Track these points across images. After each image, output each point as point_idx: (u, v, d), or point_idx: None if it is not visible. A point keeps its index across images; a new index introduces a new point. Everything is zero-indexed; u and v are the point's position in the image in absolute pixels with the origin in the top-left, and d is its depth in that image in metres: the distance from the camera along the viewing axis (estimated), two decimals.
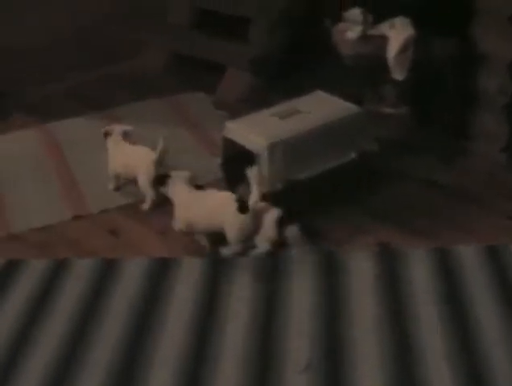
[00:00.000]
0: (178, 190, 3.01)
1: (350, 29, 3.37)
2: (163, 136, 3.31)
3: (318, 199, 3.09)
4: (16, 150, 3.92)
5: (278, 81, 4.27)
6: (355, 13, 3.36)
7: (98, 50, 4.57)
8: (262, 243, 2.89)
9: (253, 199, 2.82)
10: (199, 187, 3.03)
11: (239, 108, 4.03)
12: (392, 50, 3.25)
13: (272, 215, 2.87)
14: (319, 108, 3.21)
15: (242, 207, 2.84)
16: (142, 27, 4.68)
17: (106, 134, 3.42)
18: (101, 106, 4.26)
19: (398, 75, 3.28)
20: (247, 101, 4.17)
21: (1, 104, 4.38)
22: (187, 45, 4.60)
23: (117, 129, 3.41)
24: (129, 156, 3.33)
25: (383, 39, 3.32)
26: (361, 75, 3.43)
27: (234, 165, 3.13)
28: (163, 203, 3.18)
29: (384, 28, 3.33)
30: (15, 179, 3.62)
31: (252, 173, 2.95)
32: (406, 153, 3.57)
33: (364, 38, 3.36)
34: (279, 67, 4.29)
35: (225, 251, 2.93)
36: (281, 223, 2.87)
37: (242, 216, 2.84)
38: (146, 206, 3.28)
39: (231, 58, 4.35)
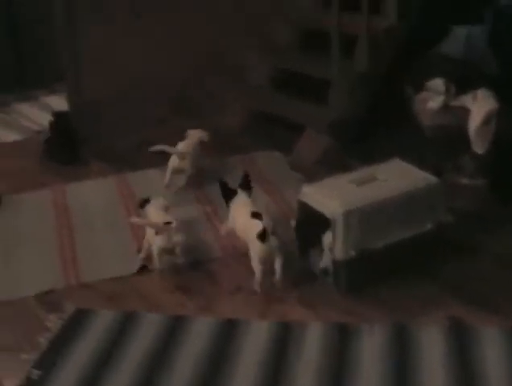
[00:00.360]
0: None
1: (432, 99, 3.35)
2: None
3: (392, 268, 3.05)
4: (92, 198, 3.99)
5: (355, 145, 4.28)
6: (437, 83, 3.34)
7: (178, 106, 4.64)
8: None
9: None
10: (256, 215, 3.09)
11: (315, 171, 4.06)
12: (474, 123, 3.21)
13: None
14: (397, 176, 3.18)
15: (262, 235, 2.92)
16: (221, 86, 4.74)
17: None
18: None
19: (479, 148, 3.24)
20: (323, 164, 4.17)
21: (81, 150, 4.48)
22: (267, 104, 4.64)
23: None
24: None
25: (465, 111, 3.29)
26: (440, 146, 3.40)
27: (308, 228, 3.12)
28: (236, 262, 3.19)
29: (466, 100, 3.31)
30: (90, 227, 3.67)
31: (326, 239, 2.95)
32: (482, 226, 3.51)
33: (445, 108, 3.33)
34: (357, 131, 4.31)
35: None
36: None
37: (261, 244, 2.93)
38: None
39: (309, 119, 4.37)
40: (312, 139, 4.26)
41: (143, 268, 3.29)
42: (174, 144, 3.99)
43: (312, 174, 4.01)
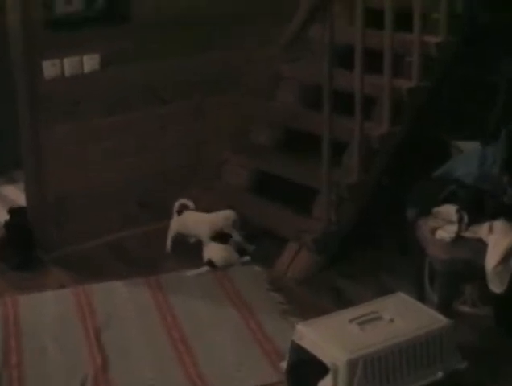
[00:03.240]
0: None
1: (442, 228, 2.98)
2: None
3: None
4: (46, 314, 3.53)
5: (339, 261, 3.91)
6: (449, 210, 2.98)
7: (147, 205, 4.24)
8: None
9: None
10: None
11: (299, 293, 3.67)
12: (491, 259, 2.84)
13: None
14: (403, 315, 2.81)
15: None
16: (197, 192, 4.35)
17: None
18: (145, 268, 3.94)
19: (497, 287, 2.86)
20: (308, 283, 3.79)
21: (38, 253, 4.01)
22: (246, 209, 4.25)
23: None
24: None
25: (480, 244, 2.93)
26: (446, 279, 3.03)
27: (303, 373, 2.71)
28: None
29: (481, 231, 2.94)
30: (41, 351, 3.20)
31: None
32: (495, 368, 3.12)
33: (457, 240, 2.96)
34: (343, 245, 3.94)
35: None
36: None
37: None
38: None
39: (291, 231, 3.98)
40: (296, 254, 3.86)
41: None
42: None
43: (295, 296, 3.63)
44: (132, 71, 4.10)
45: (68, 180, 4.04)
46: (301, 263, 3.86)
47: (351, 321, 2.75)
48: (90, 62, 3.95)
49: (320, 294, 3.71)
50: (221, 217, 4.03)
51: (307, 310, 3.51)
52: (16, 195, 4.90)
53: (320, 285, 3.79)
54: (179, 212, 4.09)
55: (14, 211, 4.16)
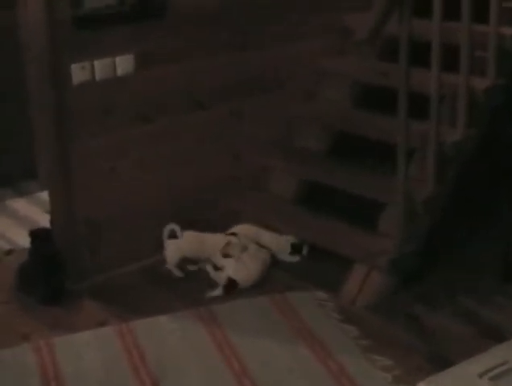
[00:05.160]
0: None
1: None
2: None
3: None
4: (88, 359, 3.04)
5: (411, 283, 3.46)
6: None
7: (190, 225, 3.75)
8: None
9: None
10: None
11: (369, 321, 3.22)
12: None
13: None
14: None
15: None
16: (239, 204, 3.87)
17: None
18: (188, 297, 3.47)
19: None
20: (378, 310, 3.34)
21: (67, 284, 3.51)
22: (296, 227, 3.78)
23: None
24: None
25: None
26: None
27: None
28: None
29: None
30: None
31: None
32: None
33: None
34: (415, 266, 3.49)
35: None
36: None
37: None
38: None
39: (355, 249, 3.52)
40: (365, 277, 3.41)
41: None
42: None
43: (371, 328, 3.19)
44: (169, 74, 3.61)
45: (99, 198, 3.54)
46: (372, 288, 3.41)
47: (481, 374, 2.30)
48: (124, 64, 3.44)
49: (397, 324, 3.27)
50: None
51: (389, 345, 3.10)
52: (29, 210, 4.43)
53: (395, 312, 3.36)
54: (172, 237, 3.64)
55: (37, 234, 3.64)
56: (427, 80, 3.31)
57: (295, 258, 3.70)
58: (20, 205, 4.51)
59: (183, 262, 3.65)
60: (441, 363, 2.99)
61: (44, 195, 4.48)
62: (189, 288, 3.54)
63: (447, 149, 3.42)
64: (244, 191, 3.97)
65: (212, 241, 3.63)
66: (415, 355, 3.05)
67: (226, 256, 3.53)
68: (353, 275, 3.43)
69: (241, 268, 3.50)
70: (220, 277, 3.48)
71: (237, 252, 3.54)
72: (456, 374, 2.36)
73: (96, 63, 3.37)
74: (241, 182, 3.98)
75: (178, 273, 3.61)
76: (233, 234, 3.68)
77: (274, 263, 3.71)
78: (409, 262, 3.40)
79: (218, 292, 3.44)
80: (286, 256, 3.71)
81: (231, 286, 3.44)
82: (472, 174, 3.67)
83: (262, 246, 3.67)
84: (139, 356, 3.02)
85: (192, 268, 3.65)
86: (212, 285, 3.53)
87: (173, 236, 3.64)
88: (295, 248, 3.69)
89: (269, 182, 4.02)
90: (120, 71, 3.44)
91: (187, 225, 3.68)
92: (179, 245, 3.61)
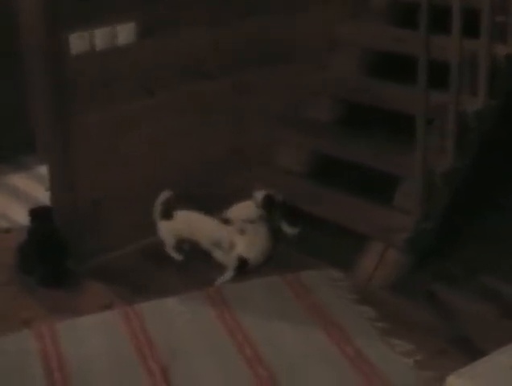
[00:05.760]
0: None
1: None
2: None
3: None
4: (93, 345, 2.90)
5: (429, 261, 3.31)
6: None
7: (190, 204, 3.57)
8: None
9: None
10: None
11: (387, 302, 3.07)
12: None
13: None
14: None
15: None
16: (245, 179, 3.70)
17: None
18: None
19: None
20: (396, 289, 3.19)
21: (69, 264, 3.35)
22: (306, 201, 3.61)
23: None
24: None
25: None
26: None
27: None
28: None
29: None
30: None
31: None
32: None
33: None
34: (434, 242, 3.33)
35: None
36: None
37: None
38: None
39: (370, 226, 3.36)
40: (382, 255, 3.24)
41: None
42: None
43: (388, 309, 3.03)
44: (172, 43, 3.42)
45: (101, 176, 3.37)
46: (389, 266, 3.25)
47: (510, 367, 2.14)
48: (125, 32, 3.25)
49: (416, 304, 3.12)
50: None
51: (408, 328, 2.95)
52: (28, 185, 4.26)
53: (413, 292, 3.21)
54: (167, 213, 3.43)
55: (37, 213, 3.47)
56: (447, 46, 3.11)
57: (295, 230, 3.52)
58: (19, 180, 4.34)
59: (181, 243, 3.45)
60: (464, 345, 2.86)
61: (43, 170, 4.31)
62: (194, 267, 3.39)
63: (468, 118, 3.24)
64: (251, 166, 3.79)
65: (205, 224, 3.43)
66: (436, 338, 2.91)
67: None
68: (369, 253, 3.28)
69: (251, 246, 3.33)
70: (230, 258, 3.31)
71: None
72: (487, 366, 2.20)
73: (96, 32, 3.16)
74: (248, 156, 3.80)
75: (177, 257, 3.44)
76: (227, 220, 3.47)
77: (285, 240, 3.54)
78: (428, 239, 3.24)
79: (229, 275, 3.27)
80: (287, 228, 3.53)
81: (242, 266, 3.28)
82: (493, 143, 3.48)
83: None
84: (147, 342, 2.87)
85: (177, 257, 3.44)
86: (217, 264, 3.36)
87: (166, 215, 3.44)
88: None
89: (277, 155, 3.84)
90: (121, 41, 3.24)
91: (191, 202, 3.50)
92: (174, 226, 3.42)
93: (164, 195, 3.41)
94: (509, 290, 3.15)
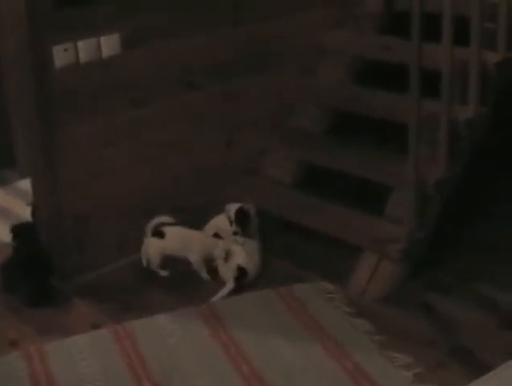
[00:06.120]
0: None
1: None
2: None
3: None
4: (85, 366, 2.80)
5: (423, 271, 3.27)
6: None
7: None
8: None
9: None
10: None
11: (383, 314, 3.02)
12: None
13: None
14: None
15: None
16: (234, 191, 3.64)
17: None
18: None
19: None
20: (391, 301, 3.14)
21: (54, 282, 3.26)
22: (295, 213, 3.56)
23: None
24: None
25: None
26: None
27: None
28: None
29: None
30: None
31: None
32: None
33: None
34: (427, 253, 3.30)
35: None
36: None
37: None
38: None
39: (360, 236, 3.31)
40: (375, 267, 3.20)
41: None
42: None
43: (384, 322, 3.00)
44: (158, 54, 3.36)
45: (87, 190, 3.29)
46: (382, 277, 3.21)
47: None
48: (109, 44, 3.17)
49: (411, 316, 3.08)
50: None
51: (405, 340, 2.91)
52: (8, 201, 4.16)
53: (407, 302, 3.16)
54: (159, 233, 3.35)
55: (20, 229, 3.39)
56: (435, 54, 3.08)
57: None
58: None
59: (167, 260, 3.37)
60: (463, 356, 2.82)
61: (23, 184, 4.23)
62: (183, 283, 3.31)
63: (459, 127, 3.21)
64: (239, 176, 3.73)
65: (196, 240, 3.36)
66: (434, 350, 2.86)
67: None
68: (362, 264, 3.23)
69: (249, 256, 3.26)
70: (228, 269, 3.23)
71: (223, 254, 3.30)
72: (493, 382, 2.14)
73: (79, 44, 3.08)
74: (236, 166, 3.74)
75: (163, 273, 3.36)
76: (217, 235, 3.40)
77: (274, 252, 3.48)
78: (421, 249, 3.20)
79: (229, 287, 3.20)
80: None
81: (242, 277, 3.21)
82: (484, 151, 3.46)
83: None
84: (139, 361, 2.79)
85: (163, 273, 3.36)
86: (203, 279, 3.29)
87: (156, 232, 3.37)
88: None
89: (265, 166, 3.78)
90: (105, 53, 3.16)
91: (179, 214, 3.44)
92: (164, 245, 3.33)
93: (158, 220, 3.34)
94: (504, 298, 3.12)
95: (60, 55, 3.05)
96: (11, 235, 3.36)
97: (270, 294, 3.17)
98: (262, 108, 3.76)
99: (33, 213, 3.48)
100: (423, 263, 3.29)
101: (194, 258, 3.30)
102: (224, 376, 2.71)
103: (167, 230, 3.33)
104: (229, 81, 3.62)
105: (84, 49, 3.11)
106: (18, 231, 3.36)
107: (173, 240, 3.32)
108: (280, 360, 2.78)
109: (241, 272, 3.22)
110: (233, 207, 3.33)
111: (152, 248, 3.32)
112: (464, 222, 3.57)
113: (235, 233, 3.29)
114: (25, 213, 3.66)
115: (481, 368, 2.64)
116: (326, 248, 3.41)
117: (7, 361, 2.82)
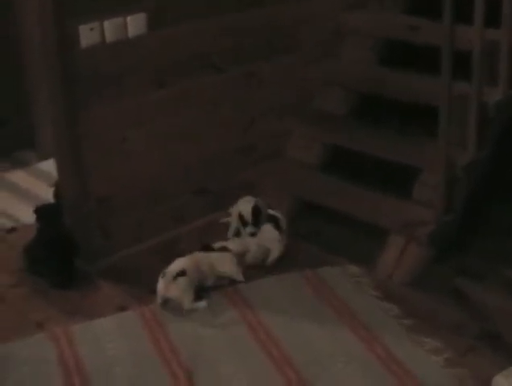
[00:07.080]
0: None
1: None
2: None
3: None
4: (113, 348, 2.79)
5: (450, 256, 3.23)
6: None
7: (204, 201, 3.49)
8: None
9: None
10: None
11: (409, 297, 2.99)
12: None
13: None
14: None
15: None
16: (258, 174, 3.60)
17: None
18: None
19: None
20: (418, 284, 3.11)
21: (79, 264, 3.24)
22: (321, 195, 3.52)
23: None
24: None
25: None
26: None
27: None
28: None
29: None
30: None
31: None
32: None
33: None
34: (455, 236, 3.26)
35: None
36: None
37: None
38: None
39: (389, 219, 3.28)
40: (402, 250, 3.17)
41: None
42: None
43: (413, 305, 2.98)
44: (183, 34, 3.30)
45: (111, 172, 3.26)
46: (410, 261, 3.17)
47: None
48: (135, 23, 3.13)
49: (440, 300, 3.04)
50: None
51: (433, 324, 2.88)
52: (30, 182, 4.14)
53: (436, 287, 3.13)
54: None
55: (43, 211, 3.36)
56: (464, 35, 3.03)
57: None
58: (20, 177, 4.21)
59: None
60: (493, 341, 2.79)
61: (44, 166, 4.21)
62: None
63: (488, 109, 3.16)
64: (261, 159, 3.69)
65: (212, 258, 3.14)
66: (464, 334, 2.83)
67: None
68: (389, 248, 3.20)
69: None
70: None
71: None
72: None
73: (105, 23, 3.04)
74: (258, 149, 3.70)
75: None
76: (224, 248, 3.20)
77: (302, 236, 3.45)
78: (449, 233, 3.16)
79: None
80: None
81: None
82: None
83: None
84: (168, 344, 2.78)
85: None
86: None
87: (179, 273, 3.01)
88: None
89: (290, 148, 3.74)
90: (132, 32, 3.12)
91: (201, 197, 3.43)
92: (189, 278, 2.99)
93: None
94: None
95: (86, 35, 3.01)
96: (35, 216, 3.33)
97: (297, 277, 3.15)
98: (284, 91, 3.71)
99: (55, 194, 3.45)
100: (451, 247, 3.25)
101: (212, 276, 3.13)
102: (254, 361, 2.69)
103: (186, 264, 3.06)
104: (252, 63, 3.57)
105: (110, 28, 3.06)
106: (43, 212, 3.33)
107: (194, 270, 3.04)
108: (309, 344, 2.76)
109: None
110: (245, 207, 3.30)
111: (183, 287, 2.98)
112: (492, 205, 3.52)
113: (252, 234, 3.27)
114: (46, 194, 3.64)
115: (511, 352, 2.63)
116: (352, 231, 3.38)
117: (35, 342, 2.80)
